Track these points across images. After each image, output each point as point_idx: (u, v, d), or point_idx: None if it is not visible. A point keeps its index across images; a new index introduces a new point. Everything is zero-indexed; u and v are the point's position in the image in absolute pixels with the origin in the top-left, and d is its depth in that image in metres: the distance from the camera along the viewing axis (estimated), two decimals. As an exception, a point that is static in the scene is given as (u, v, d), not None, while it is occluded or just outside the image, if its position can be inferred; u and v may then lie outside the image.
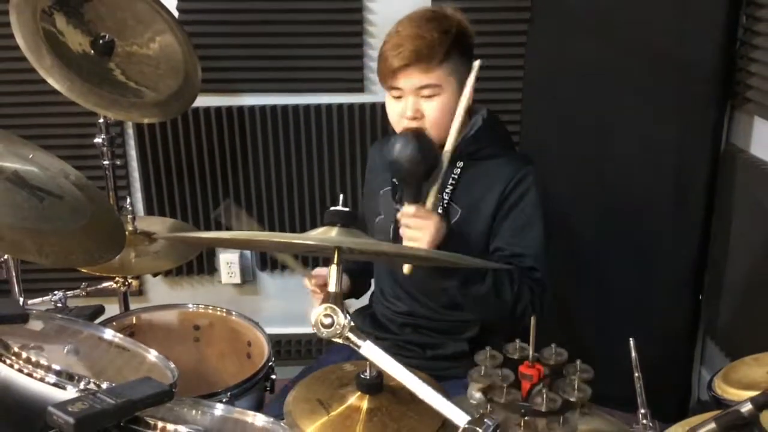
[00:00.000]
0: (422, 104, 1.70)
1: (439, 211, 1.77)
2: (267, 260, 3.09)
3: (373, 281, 2.06)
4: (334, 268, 1.16)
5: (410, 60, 1.66)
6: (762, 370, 1.43)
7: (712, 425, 1.05)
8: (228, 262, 3.07)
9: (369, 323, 1.96)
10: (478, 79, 1.69)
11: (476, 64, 1.68)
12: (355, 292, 2.01)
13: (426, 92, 1.69)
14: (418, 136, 1.60)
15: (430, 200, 1.66)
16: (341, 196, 1.29)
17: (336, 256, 1.16)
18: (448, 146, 1.68)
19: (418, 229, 1.60)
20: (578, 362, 1.28)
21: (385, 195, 1.89)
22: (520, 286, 1.67)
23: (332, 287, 1.15)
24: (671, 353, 2.60)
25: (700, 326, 2.66)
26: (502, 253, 1.74)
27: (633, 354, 1.21)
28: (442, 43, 1.66)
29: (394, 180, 1.85)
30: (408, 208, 1.61)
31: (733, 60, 2.40)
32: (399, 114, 1.73)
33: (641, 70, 2.44)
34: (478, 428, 1.01)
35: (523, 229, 1.74)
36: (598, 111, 2.54)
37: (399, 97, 1.73)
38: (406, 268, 1.65)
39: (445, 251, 1.55)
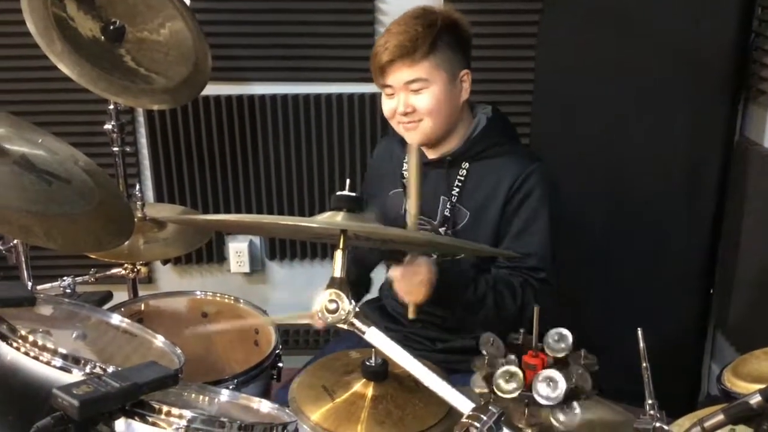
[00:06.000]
0: (412, 99, 1.73)
1: (446, 214, 1.78)
2: (276, 249, 3.09)
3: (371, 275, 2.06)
4: (339, 253, 1.16)
5: (394, 55, 1.69)
6: (772, 363, 1.42)
7: (721, 417, 1.05)
8: (237, 251, 3.07)
9: (378, 315, 1.96)
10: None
11: None
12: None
13: (414, 86, 1.71)
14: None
15: (411, 220, 1.65)
16: (348, 181, 1.29)
17: (342, 240, 1.16)
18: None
19: (411, 284, 1.60)
20: (582, 351, 1.27)
21: (394, 196, 1.90)
22: (525, 296, 1.69)
23: (337, 272, 1.15)
24: (681, 348, 2.58)
25: (710, 321, 2.64)
26: None
27: (641, 344, 1.20)
28: (426, 35, 1.68)
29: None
30: (395, 271, 1.61)
31: (747, 52, 2.37)
32: (393, 110, 1.76)
33: (654, 63, 2.41)
34: (482, 415, 1.01)
35: (528, 229, 1.75)
36: (610, 104, 2.51)
37: (392, 95, 1.76)
38: (411, 313, 1.66)
39: (441, 277, 1.59)
